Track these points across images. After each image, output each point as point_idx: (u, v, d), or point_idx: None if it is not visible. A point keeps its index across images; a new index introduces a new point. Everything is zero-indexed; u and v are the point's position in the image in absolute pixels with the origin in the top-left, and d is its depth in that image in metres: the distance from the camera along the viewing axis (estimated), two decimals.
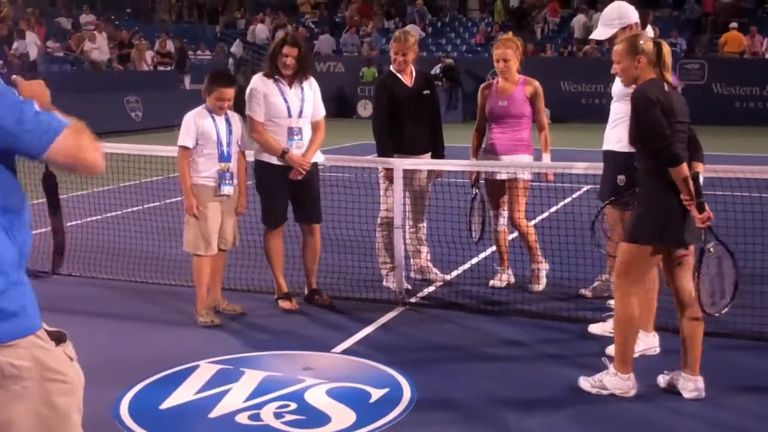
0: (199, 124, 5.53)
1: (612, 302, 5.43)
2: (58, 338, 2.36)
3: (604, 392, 4.43)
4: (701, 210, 4.10)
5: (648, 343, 5.04)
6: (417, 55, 6.43)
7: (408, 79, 6.40)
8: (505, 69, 6.16)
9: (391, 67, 6.43)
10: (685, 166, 4.10)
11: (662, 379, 4.54)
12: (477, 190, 6.32)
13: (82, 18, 25.56)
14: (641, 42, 4.31)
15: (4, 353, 2.22)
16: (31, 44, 20.96)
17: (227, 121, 5.64)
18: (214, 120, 5.56)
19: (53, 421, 2.31)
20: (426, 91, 6.46)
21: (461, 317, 5.83)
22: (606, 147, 5.28)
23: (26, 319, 2.25)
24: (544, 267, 6.39)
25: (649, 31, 5.48)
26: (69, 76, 21.06)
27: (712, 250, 4.25)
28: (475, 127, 6.41)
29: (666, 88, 4.24)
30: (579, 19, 24.70)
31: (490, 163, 6.20)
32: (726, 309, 4.36)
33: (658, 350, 5.05)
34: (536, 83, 6.27)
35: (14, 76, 2.62)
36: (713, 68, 21.20)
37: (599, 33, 5.36)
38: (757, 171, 5.73)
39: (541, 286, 6.35)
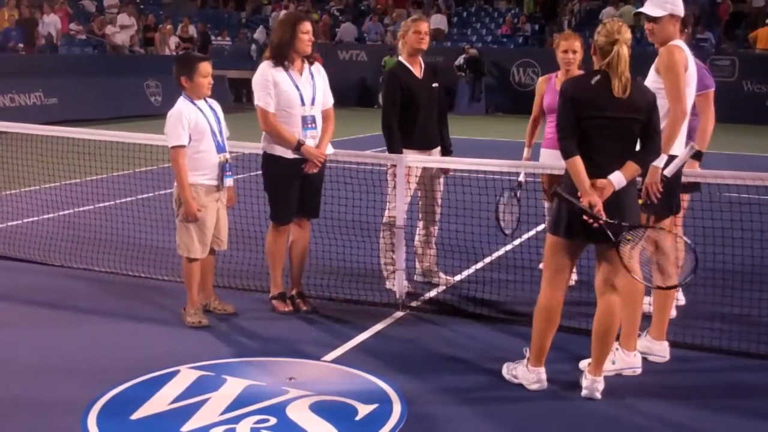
0: (190, 118, 5.16)
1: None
2: None
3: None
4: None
5: (628, 362, 4.66)
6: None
7: (418, 70, 6.08)
8: (572, 60, 6.10)
9: (401, 57, 6.11)
10: (572, 160, 4.08)
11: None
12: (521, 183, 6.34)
13: (106, 1, 25.42)
14: (598, 32, 4.19)
15: None
16: (51, 26, 20.84)
17: (211, 108, 5.31)
18: (201, 110, 5.23)
19: None
20: (434, 84, 6.14)
21: (464, 325, 5.48)
22: None
23: None
24: None
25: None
26: (90, 59, 20.87)
27: None
28: (531, 117, 6.51)
29: (593, 81, 4.14)
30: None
31: (494, 162, 5.93)
32: None
33: (639, 371, 4.67)
34: None
35: None
36: (744, 65, 20.59)
37: (648, 8, 4.80)
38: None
39: None
